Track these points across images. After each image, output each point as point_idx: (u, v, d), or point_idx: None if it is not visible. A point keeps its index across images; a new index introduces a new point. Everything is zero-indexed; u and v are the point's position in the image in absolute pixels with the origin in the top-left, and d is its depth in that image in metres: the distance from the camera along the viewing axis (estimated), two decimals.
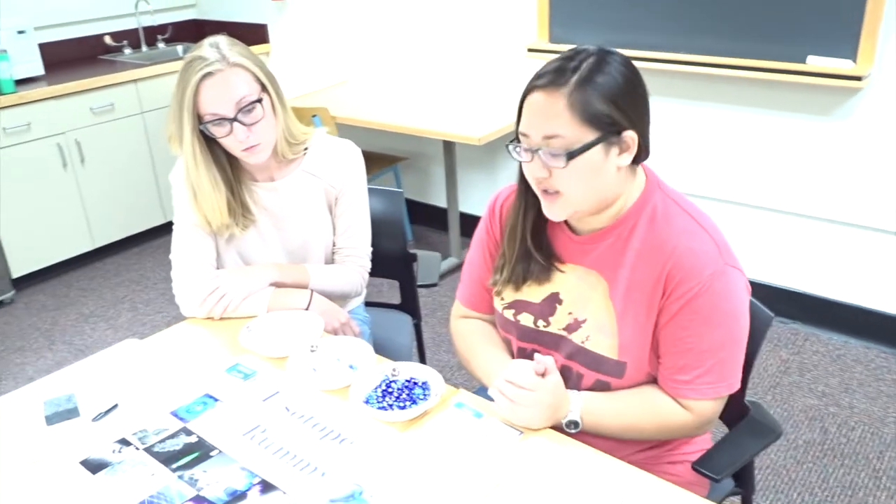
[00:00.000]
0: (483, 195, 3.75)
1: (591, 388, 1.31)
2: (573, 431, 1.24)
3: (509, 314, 1.40)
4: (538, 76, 1.21)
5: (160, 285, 3.62)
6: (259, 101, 1.56)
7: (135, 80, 3.78)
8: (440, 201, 3.90)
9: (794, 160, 2.77)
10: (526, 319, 1.38)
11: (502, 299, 1.41)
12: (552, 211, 1.26)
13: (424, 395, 1.32)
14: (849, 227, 2.75)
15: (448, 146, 3.37)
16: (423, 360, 2.17)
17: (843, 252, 2.80)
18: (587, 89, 1.16)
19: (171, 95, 1.57)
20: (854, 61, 2.45)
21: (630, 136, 1.19)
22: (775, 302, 2.97)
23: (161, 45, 4.38)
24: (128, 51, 4.23)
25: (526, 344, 1.40)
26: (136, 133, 3.85)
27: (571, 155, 1.17)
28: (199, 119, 1.55)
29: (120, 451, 1.24)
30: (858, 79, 2.45)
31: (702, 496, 1.11)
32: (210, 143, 1.60)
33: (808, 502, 2.15)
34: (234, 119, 1.53)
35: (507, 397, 1.22)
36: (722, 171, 2.94)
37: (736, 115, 2.84)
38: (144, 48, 4.31)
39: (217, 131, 1.55)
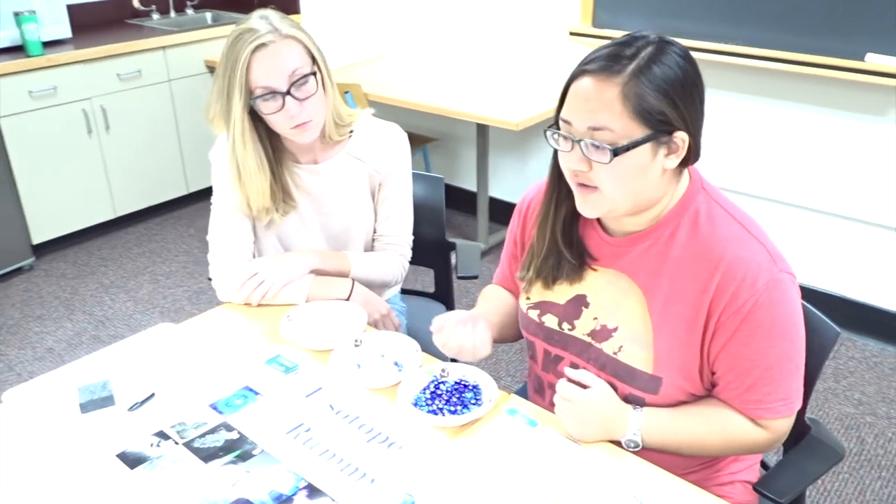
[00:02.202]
0: (512, 180, 3.67)
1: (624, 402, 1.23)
2: (633, 450, 1.18)
3: (534, 314, 1.33)
4: (589, 60, 1.11)
5: (181, 258, 3.57)
6: (312, 74, 1.49)
7: (163, 47, 3.70)
8: (468, 184, 3.83)
9: (847, 161, 2.68)
10: (550, 321, 1.31)
11: (528, 298, 1.34)
12: (586, 207, 1.17)
13: (476, 399, 1.26)
14: (892, 231, 2.67)
15: (482, 129, 3.28)
16: None
17: (882, 256, 2.72)
18: (644, 81, 1.06)
19: (216, 74, 1.50)
20: None
21: (682, 137, 1.10)
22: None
23: (189, 11, 4.30)
24: (156, 16, 4.15)
25: (553, 348, 1.32)
26: (162, 101, 3.78)
27: (617, 151, 1.08)
28: (249, 94, 1.48)
29: (158, 445, 1.18)
30: None
31: None
32: (255, 123, 1.53)
33: None
34: (287, 93, 1.46)
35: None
36: (770, 168, 2.85)
37: (788, 112, 2.74)
38: (173, 14, 4.23)
39: (267, 107, 1.48)
